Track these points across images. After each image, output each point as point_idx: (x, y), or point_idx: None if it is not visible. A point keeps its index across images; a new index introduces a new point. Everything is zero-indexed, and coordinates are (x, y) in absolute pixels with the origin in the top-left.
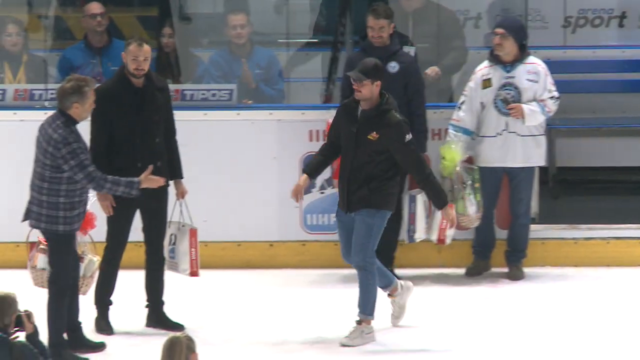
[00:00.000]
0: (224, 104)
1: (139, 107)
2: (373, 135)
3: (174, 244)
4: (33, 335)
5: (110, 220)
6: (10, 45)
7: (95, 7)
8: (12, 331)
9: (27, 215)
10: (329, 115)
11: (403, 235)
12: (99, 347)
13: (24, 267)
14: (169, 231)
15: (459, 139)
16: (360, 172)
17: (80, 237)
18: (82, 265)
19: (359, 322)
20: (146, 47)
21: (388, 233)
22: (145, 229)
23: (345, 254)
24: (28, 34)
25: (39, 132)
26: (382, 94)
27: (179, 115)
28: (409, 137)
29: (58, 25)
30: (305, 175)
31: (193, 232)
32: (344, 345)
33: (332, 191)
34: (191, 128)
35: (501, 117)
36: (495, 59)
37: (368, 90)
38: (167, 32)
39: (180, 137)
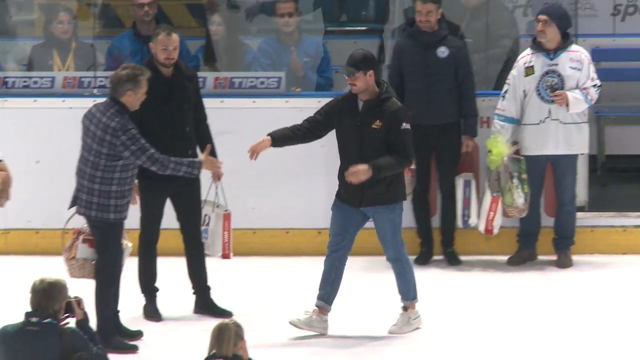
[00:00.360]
0: (272, 91)
1: (168, 97)
2: (377, 124)
3: (207, 224)
4: (83, 322)
5: (143, 207)
6: (61, 32)
7: None
8: (62, 317)
9: (75, 203)
10: None
11: (457, 220)
12: (136, 335)
13: None
14: (203, 211)
15: (505, 129)
16: None
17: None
18: None
19: (404, 309)
20: (175, 36)
21: (446, 217)
22: (179, 217)
23: (335, 239)
24: (77, 22)
25: (87, 121)
26: (381, 82)
27: (228, 103)
28: (405, 125)
29: (106, 13)
30: (269, 137)
31: (227, 216)
32: (392, 333)
33: None
34: (240, 115)
35: (544, 105)
36: (538, 47)
37: (362, 82)
38: (215, 20)
39: (229, 125)
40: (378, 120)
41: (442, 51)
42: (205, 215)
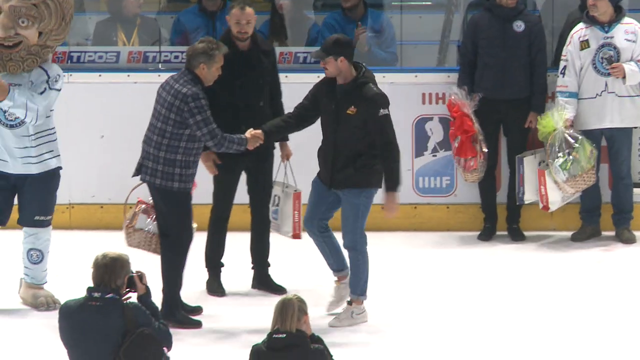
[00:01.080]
0: None
1: (243, 71)
2: (352, 110)
3: (277, 205)
4: (145, 296)
5: (216, 182)
6: (136, 7)
7: None
8: (124, 292)
9: (140, 171)
10: (443, 79)
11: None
12: (196, 311)
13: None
14: (273, 192)
15: (571, 105)
16: (345, 148)
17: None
18: None
19: (349, 303)
20: (249, 10)
21: (513, 192)
22: (250, 191)
23: (308, 218)
24: None
25: (161, 89)
26: (359, 66)
27: (292, 78)
28: (383, 111)
29: None
30: (260, 131)
31: (297, 196)
32: (332, 326)
33: (445, 154)
34: (305, 91)
35: (600, 78)
36: (591, 20)
37: (333, 67)
38: None
39: (294, 100)
40: (353, 106)
41: (519, 25)
42: (275, 195)
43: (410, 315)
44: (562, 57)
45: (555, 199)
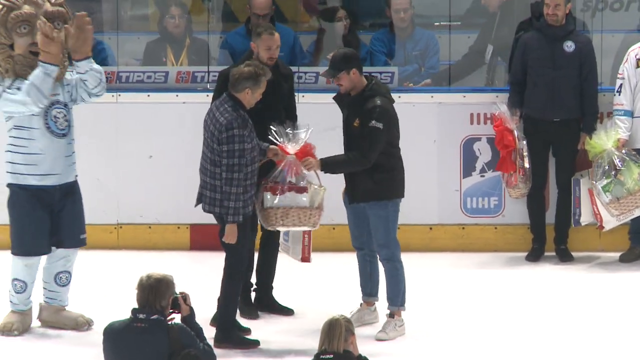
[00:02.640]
0: None
1: (264, 94)
2: (356, 122)
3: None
4: (189, 317)
5: None
6: (173, 27)
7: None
8: (168, 313)
9: (200, 200)
10: (491, 99)
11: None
12: (245, 332)
13: (184, 249)
14: None
15: (625, 123)
16: None
17: (304, 171)
18: (308, 195)
19: (391, 316)
20: (277, 35)
21: (561, 214)
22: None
23: (355, 238)
24: (191, 17)
25: (207, 116)
26: (369, 78)
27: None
28: (376, 123)
29: (222, 8)
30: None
31: None
32: (379, 340)
33: (493, 174)
34: None
35: None
36: None
37: (347, 81)
38: (342, 15)
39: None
40: (358, 119)
41: (569, 45)
42: None
43: (457, 335)
44: (619, 76)
45: (609, 218)
